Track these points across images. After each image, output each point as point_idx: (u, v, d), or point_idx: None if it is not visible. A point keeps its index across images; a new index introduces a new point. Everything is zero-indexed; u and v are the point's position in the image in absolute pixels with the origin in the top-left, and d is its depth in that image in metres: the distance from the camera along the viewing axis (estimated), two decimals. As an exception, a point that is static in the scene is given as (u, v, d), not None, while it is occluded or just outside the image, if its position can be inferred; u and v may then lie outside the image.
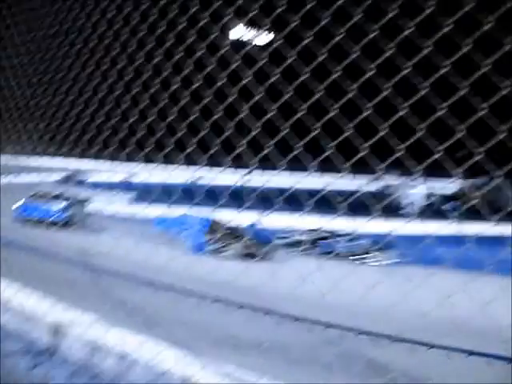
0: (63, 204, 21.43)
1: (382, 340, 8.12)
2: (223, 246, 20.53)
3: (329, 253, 19.71)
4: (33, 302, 4.37)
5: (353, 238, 21.35)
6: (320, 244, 22.03)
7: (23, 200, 20.90)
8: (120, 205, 26.83)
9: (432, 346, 7.64)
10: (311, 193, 3.95)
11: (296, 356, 8.13)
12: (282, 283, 10.33)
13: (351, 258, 20.99)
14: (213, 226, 21.73)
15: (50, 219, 19.30)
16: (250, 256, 19.10)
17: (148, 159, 4.38)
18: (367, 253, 21.64)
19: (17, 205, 20.61)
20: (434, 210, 36.90)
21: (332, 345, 8.38)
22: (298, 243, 22.72)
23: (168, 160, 4.17)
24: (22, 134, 6.82)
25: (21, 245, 11.14)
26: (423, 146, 2.72)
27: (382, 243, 20.11)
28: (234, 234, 20.62)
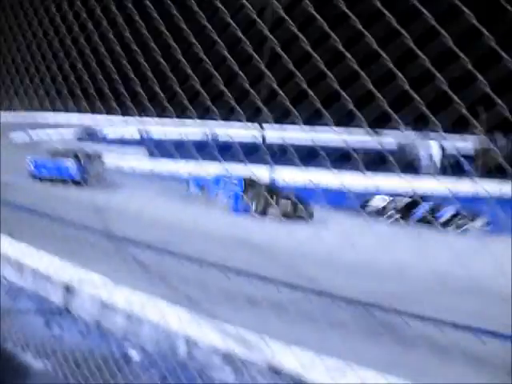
0: (79, 161, 20.41)
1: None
2: (264, 207, 19.22)
3: (420, 220, 18.21)
4: (46, 262, 4.38)
5: (440, 202, 19.97)
6: (410, 211, 20.37)
7: (37, 158, 19.98)
8: (138, 160, 26.03)
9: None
10: (357, 151, 3.69)
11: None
12: (327, 247, 10.15)
13: (438, 224, 18.60)
14: (249, 185, 20.44)
15: (66, 177, 18.23)
16: (291, 216, 18.28)
17: (164, 113, 4.25)
18: (456, 219, 20.04)
19: (30, 163, 19.62)
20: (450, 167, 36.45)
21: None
22: (382, 210, 21.91)
23: (185, 114, 4.03)
24: (36, 89, 6.68)
25: (35, 204, 11.11)
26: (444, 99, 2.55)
27: (471, 208, 18.70)
28: (274, 193, 19.62)
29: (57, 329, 3.72)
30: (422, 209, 20.47)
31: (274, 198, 19.27)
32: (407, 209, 20.96)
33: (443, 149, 38.35)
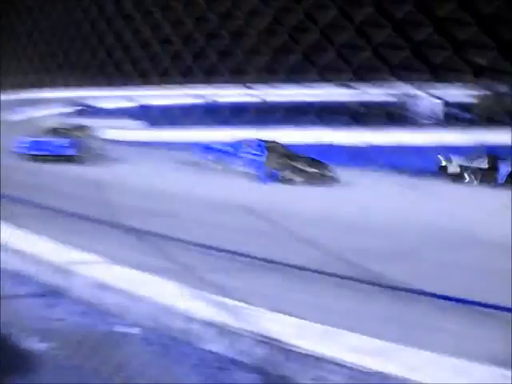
0: (73, 136, 19.38)
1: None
2: (290, 172, 17.54)
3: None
4: (44, 246, 4.39)
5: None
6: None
7: (29, 136, 18.73)
8: (139, 131, 24.43)
9: None
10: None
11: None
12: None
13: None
14: (271, 151, 18.85)
15: (60, 154, 17.57)
16: (318, 182, 16.78)
17: (161, 80, 4.04)
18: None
19: (23, 141, 18.29)
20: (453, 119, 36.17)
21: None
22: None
23: (184, 79, 3.83)
24: (27, 65, 6.46)
25: (29, 184, 10.94)
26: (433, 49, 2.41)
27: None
28: (295, 157, 17.84)
29: (58, 311, 3.77)
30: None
31: (297, 163, 17.52)
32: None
33: (443, 100, 37.90)
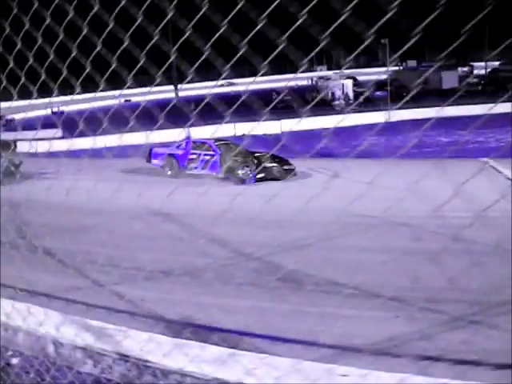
0: None
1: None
2: (260, 173, 16.65)
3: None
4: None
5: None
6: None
7: None
8: (59, 141, 24.64)
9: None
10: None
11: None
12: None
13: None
14: (225, 149, 17.95)
15: None
16: (283, 177, 16.05)
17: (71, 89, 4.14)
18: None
19: None
20: (364, 98, 37.41)
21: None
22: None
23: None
24: None
25: None
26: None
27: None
28: (249, 154, 16.77)
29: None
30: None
31: (257, 160, 16.78)
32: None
33: (355, 80, 39.39)
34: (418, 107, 23.36)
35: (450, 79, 39.02)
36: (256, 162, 16.83)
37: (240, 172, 16.89)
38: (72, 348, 3.25)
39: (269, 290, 5.82)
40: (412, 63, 41.53)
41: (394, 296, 5.09)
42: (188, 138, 19.34)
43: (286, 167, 16.70)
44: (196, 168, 18.41)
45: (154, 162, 19.60)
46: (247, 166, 16.88)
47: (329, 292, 5.71)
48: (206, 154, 18.41)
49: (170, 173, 18.91)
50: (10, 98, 5.31)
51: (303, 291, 5.34)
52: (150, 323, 5.03)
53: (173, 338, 3.12)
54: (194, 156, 18.67)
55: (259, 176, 16.48)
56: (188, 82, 4.54)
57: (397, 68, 41.45)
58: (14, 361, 3.62)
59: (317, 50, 2.59)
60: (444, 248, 6.57)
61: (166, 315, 5.46)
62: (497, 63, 48.02)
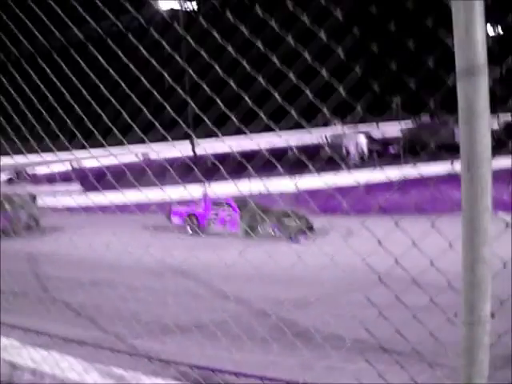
0: (4, 207, 18.13)
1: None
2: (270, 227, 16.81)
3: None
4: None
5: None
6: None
7: None
8: (77, 196, 24.43)
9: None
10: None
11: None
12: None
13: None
14: (242, 207, 17.95)
15: None
16: (299, 232, 16.09)
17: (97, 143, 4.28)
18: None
19: None
20: (378, 154, 37.71)
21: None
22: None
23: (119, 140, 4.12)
24: None
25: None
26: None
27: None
28: (268, 211, 16.46)
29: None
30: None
31: (276, 217, 16.66)
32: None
33: (369, 135, 39.94)
34: (431, 162, 23.55)
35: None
36: (275, 219, 16.86)
37: (259, 229, 16.97)
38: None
39: (278, 344, 5.94)
40: (425, 118, 41.89)
41: (401, 351, 5.13)
42: (206, 195, 19.53)
43: (304, 223, 16.69)
44: (216, 226, 18.64)
45: (174, 220, 19.81)
46: (266, 223, 16.96)
47: (335, 346, 5.78)
48: (225, 213, 18.65)
49: (190, 231, 19.03)
50: (29, 152, 5.50)
51: (312, 345, 5.42)
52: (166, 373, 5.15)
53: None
54: (214, 215, 18.93)
55: (278, 234, 16.64)
56: (203, 138, 4.67)
57: (410, 123, 41.86)
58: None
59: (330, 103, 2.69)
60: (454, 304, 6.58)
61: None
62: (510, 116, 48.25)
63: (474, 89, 1.80)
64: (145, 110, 3.49)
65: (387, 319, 2.93)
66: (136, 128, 3.78)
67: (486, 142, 1.80)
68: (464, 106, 1.82)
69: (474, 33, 1.79)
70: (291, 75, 2.79)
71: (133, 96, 3.57)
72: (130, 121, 3.79)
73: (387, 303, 2.98)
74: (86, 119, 4.03)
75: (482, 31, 1.80)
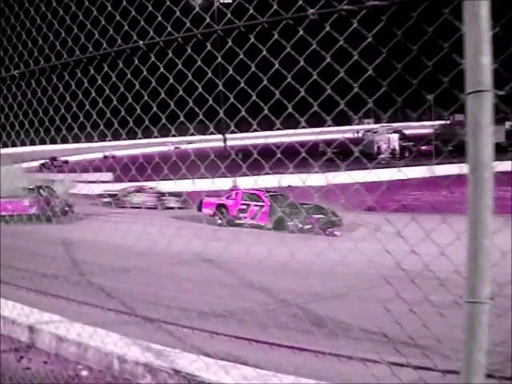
0: (41, 193, 18.36)
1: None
2: (298, 221, 16.68)
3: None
4: (14, 311, 5.17)
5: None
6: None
7: None
8: (111, 185, 22.67)
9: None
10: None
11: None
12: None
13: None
14: (273, 200, 18.02)
15: (26, 213, 16.12)
16: (326, 227, 16.29)
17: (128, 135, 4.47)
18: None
19: None
20: (410, 152, 37.47)
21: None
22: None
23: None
24: None
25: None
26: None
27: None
28: (301, 205, 16.01)
29: (25, 361, 4.55)
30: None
31: (304, 211, 16.19)
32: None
33: (402, 133, 39.75)
34: (463, 162, 23.41)
35: (497, 133, 38.74)
36: (304, 213, 17.01)
37: (289, 223, 17.07)
38: (134, 364, 3.75)
39: (302, 333, 6.19)
40: (460, 117, 41.37)
41: (422, 344, 5.27)
42: (237, 187, 19.70)
43: (332, 219, 16.84)
44: (245, 218, 18.86)
45: (205, 210, 20.11)
46: (296, 217, 17.01)
47: (358, 338, 5.99)
48: (255, 205, 18.91)
49: (219, 222, 19.30)
50: (64, 141, 5.75)
51: (335, 336, 5.61)
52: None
53: (215, 360, 3.62)
54: (244, 206, 19.22)
55: (307, 227, 16.71)
56: (234, 132, 4.83)
57: (443, 122, 41.36)
58: (84, 373, 4.13)
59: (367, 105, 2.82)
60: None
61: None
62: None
63: (480, 106, 2.11)
64: (191, 103, 3.63)
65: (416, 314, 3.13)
66: (166, 123, 3.95)
67: (488, 151, 2.10)
68: (471, 121, 2.12)
69: (481, 58, 2.08)
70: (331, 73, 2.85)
71: (184, 94, 3.69)
72: (160, 114, 3.93)
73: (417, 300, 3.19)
74: (123, 111, 4.20)
75: (488, 57, 2.09)
